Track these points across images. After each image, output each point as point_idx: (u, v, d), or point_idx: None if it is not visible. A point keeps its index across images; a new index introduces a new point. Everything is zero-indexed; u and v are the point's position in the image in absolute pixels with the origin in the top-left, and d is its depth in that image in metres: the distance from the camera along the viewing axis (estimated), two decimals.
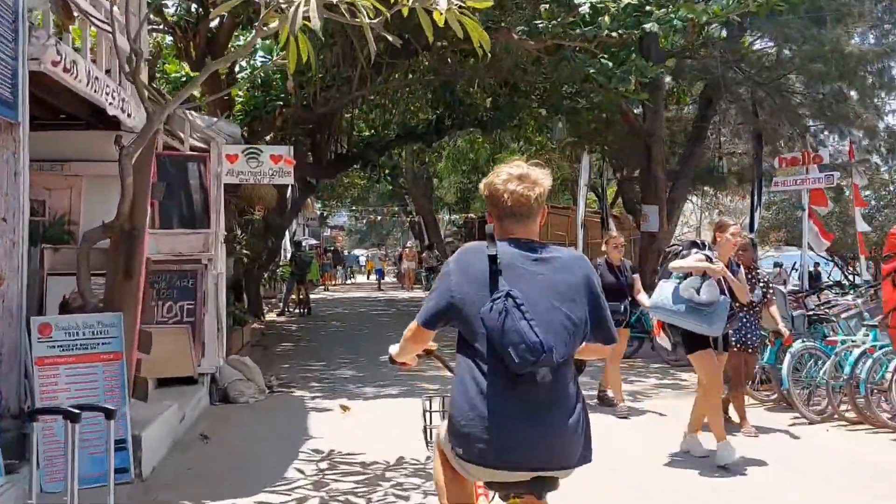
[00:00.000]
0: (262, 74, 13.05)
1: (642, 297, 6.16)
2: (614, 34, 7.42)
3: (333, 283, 30.63)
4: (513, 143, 20.14)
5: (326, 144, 14.53)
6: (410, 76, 13.49)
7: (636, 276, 6.43)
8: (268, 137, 15.12)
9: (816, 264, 17.73)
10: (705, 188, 15.99)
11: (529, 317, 1.88)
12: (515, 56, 9.53)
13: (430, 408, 2.54)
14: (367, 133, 15.60)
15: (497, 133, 18.28)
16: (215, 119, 10.49)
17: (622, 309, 6.16)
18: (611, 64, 7.89)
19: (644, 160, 11.34)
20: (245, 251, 12.85)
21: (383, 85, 12.18)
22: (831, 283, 17.91)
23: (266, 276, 17.13)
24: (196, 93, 14.48)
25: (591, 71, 8.02)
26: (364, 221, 36.55)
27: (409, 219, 31.94)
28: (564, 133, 12.28)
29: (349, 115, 15.18)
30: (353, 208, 30.66)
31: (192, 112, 9.47)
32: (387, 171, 15.57)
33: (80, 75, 4.87)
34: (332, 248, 33.31)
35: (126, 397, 4.07)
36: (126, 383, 4.07)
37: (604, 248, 6.59)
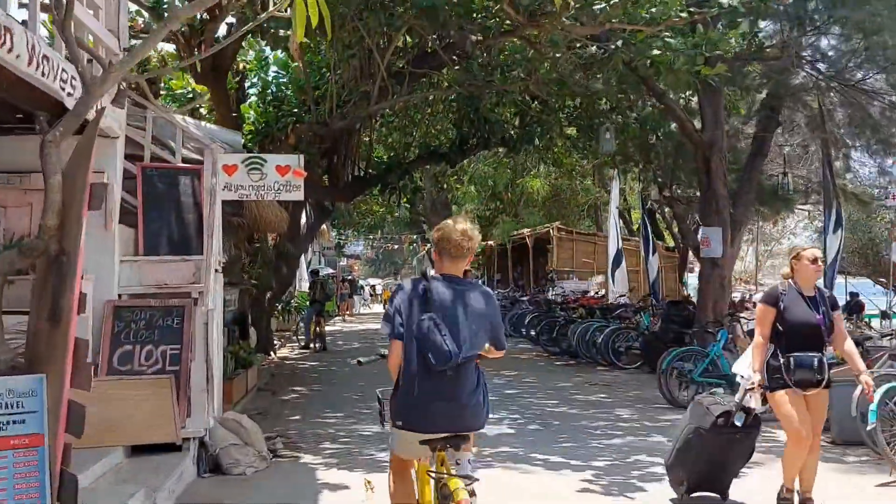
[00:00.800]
0: (273, 87, 11.98)
1: (848, 346, 4.22)
2: (683, 14, 6.19)
3: (349, 312, 29.32)
4: (540, 163, 18.89)
5: (343, 166, 13.36)
6: (433, 91, 12.35)
7: (837, 313, 4.29)
8: None
9: (855, 294, 16.28)
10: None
11: (444, 333, 2.92)
12: (560, 50, 8.30)
13: (383, 397, 3.27)
14: (385, 156, 14.44)
15: (524, 153, 17.10)
16: (214, 126, 9.30)
17: (815, 364, 4.05)
18: (674, 41, 6.61)
19: (703, 176, 9.99)
20: (253, 281, 11.60)
21: (405, 97, 11.01)
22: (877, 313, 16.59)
23: (279, 307, 15.90)
24: (203, 110, 13.55)
25: (655, 52, 6.74)
26: (381, 250, 35.26)
27: (426, 247, 30.70)
28: (614, 144, 10.92)
29: (367, 137, 14.07)
30: (370, 236, 29.40)
31: (187, 117, 8.35)
32: (407, 196, 14.29)
33: (17, 49, 3.67)
34: (349, 278, 32.10)
35: (49, 498, 2.75)
36: (49, 479, 2.75)
37: (785, 269, 4.38)
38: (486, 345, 3.10)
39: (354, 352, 14.13)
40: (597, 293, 20.01)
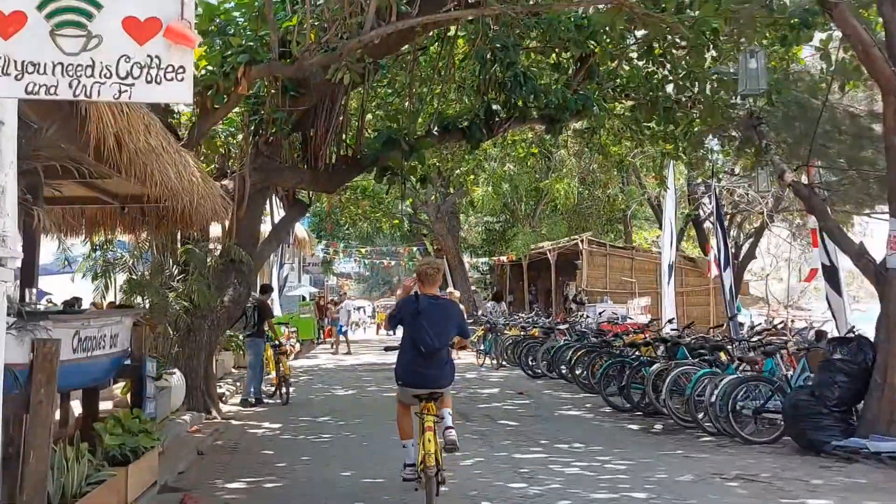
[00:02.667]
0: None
1: None
2: None
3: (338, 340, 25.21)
4: (585, 149, 15.01)
5: (324, 141, 9.49)
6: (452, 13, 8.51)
7: None
8: (233, 128, 10.15)
9: None
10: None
11: (428, 332, 4.88)
12: None
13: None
14: (384, 126, 10.55)
15: (563, 135, 13.33)
16: None
17: None
18: None
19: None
20: (183, 301, 7.65)
21: (412, 21, 7.17)
22: None
23: (240, 338, 11.93)
24: None
25: None
26: (375, 268, 31.07)
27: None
28: (763, 80, 7.07)
29: (358, 100, 10.24)
30: (361, 249, 25.35)
31: None
32: (415, 181, 10.36)
33: None
34: (333, 299, 28.05)
35: None
36: None
37: None
38: (456, 337, 5.27)
39: (336, 403, 10.12)
40: (649, 321, 16.09)
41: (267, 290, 9.63)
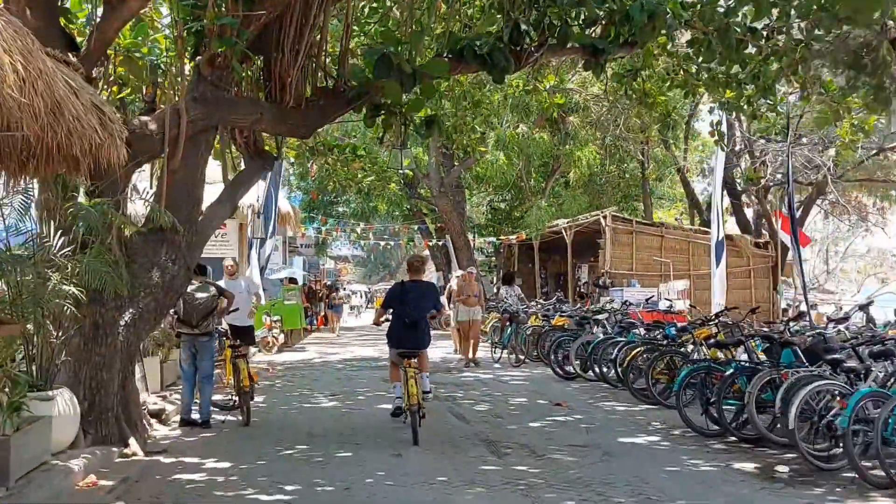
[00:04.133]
0: None
1: None
2: None
3: (333, 327, 22.72)
4: (631, 102, 12.33)
5: (295, 66, 6.86)
6: None
7: None
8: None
9: None
10: None
11: (410, 307, 6.90)
12: None
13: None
14: (374, 43, 7.87)
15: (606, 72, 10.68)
16: None
17: None
18: None
19: None
20: (72, 287, 5.08)
21: None
22: None
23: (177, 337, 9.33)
24: None
25: None
26: (375, 248, 28.35)
27: (429, 242, 24.06)
28: None
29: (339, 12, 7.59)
30: (352, 229, 22.66)
31: None
32: (418, 122, 7.68)
33: None
34: (333, 284, 25.49)
35: None
36: None
37: None
38: (432, 310, 7.13)
39: (316, 427, 7.58)
40: (690, 307, 13.56)
41: (203, 271, 6.98)
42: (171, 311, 6.97)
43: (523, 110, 16.18)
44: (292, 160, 13.04)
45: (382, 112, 7.46)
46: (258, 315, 14.66)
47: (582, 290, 19.69)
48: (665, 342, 8.84)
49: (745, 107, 10.36)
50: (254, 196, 15.49)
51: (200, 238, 6.85)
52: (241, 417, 7.34)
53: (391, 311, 7.08)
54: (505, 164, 17.00)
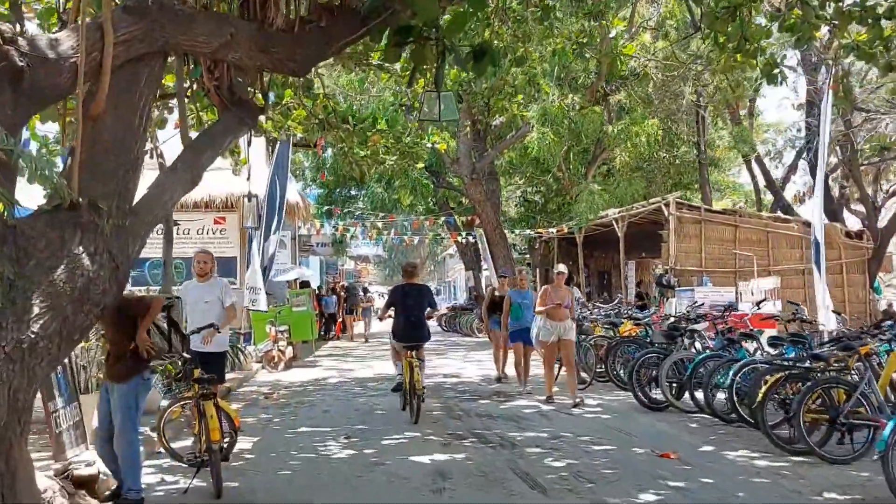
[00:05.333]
0: None
1: None
2: None
3: (353, 334, 20.48)
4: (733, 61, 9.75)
5: None
6: None
7: None
8: None
9: None
10: None
11: (410, 305, 7.87)
12: None
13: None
14: None
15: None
16: None
17: None
18: None
19: None
20: None
21: None
22: None
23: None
24: None
25: None
26: (396, 246, 25.87)
27: (457, 236, 21.60)
28: None
29: None
30: (372, 224, 20.30)
31: None
32: (463, 53, 5.24)
33: None
34: (351, 287, 23.18)
35: None
36: None
37: None
38: (428, 309, 7.95)
39: (319, 497, 5.18)
40: (794, 312, 10.98)
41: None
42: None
43: (571, 81, 13.70)
44: (300, 136, 10.80)
45: (411, 38, 5.08)
46: (259, 324, 12.44)
47: (641, 290, 17.12)
48: (805, 363, 6.34)
49: (881, 53, 7.82)
50: (258, 184, 13.29)
51: (140, 222, 4.47)
52: (211, 481, 5.00)
53: (392, 309, 8.14)
54: (553, 142, 14.44)
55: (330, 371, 12.38)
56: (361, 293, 23.07)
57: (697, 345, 8.28)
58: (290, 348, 12.63)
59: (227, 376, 10.12)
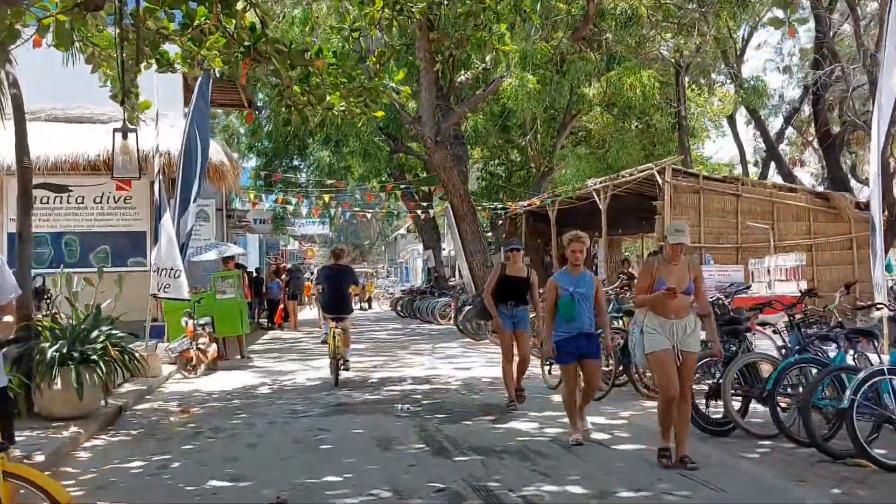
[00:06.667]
0: None
1: None
2: None
3: (296, 323, 17.86)
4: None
5: None
6: None
7: None
8: None
9: None
10: None
11: (337, 283, 8.96)
12: None
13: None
14: None
15: None
16: None
17: None
18: None
19: None
20: None
21: None
22: None
23: None
24: None
25: None
26: (346, 222, 22.96)
27: (415, 208, 19.07)
28: None
29: None
30: (318, 196, 17.52)
31: None
32: None
33: None
34: (294, 269, 20.38)
35: None
36: None
37: None
38: (353, 286, 9.30)
39: None
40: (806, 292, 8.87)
41: None
42: None
43: (555, 22, 11.33)
44: (220, 74, 8.11)
45: None
46: (173, 316, 9.76)
47: (625, 271, 15.04)
48: None
49: None
50: (169, 134, 10.50)
51: None
52: None
53: (320, 287, 9.17)
54: (536, 89, 11.96)
55: (264, 374, 9.80)
56: (310, 276, 20.48)
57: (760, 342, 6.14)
58: (213, 346, 9.97)
59: (121, 390, 7.49)
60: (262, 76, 7.87)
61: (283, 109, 8.44)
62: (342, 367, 8.52)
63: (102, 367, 6.27)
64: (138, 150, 8.95)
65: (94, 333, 6.45)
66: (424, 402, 7.47)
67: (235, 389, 8.52)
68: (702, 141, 24.54)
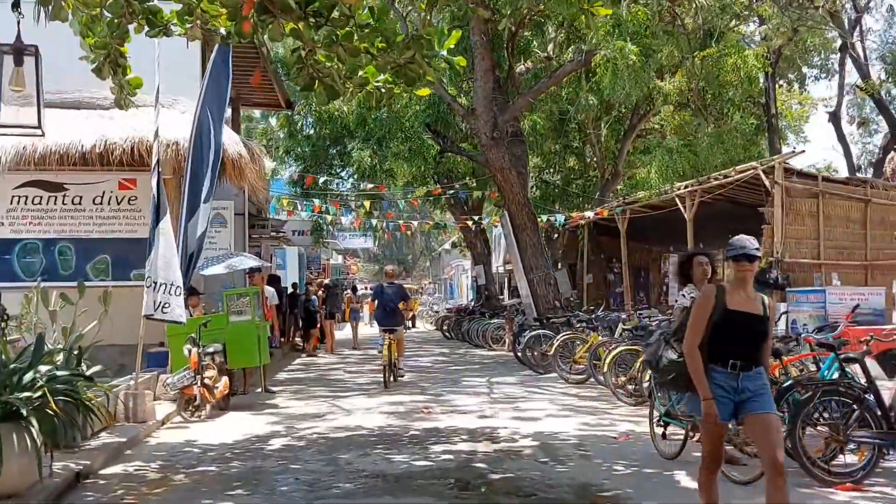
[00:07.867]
0: None
1: None
2: None
3: (333, 345, 16.02)
4: None
5: None
6: None
7: None
8: None
9: None
10: None
11: (386, 298, 10.36)
12: None
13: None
14: None
15: None
16: None
17: None
18: None
19: None
20: None
21: None
22: None
23: None
24: None
25: None
26: (388, 232, 20.99)
27: (463, 223, 17.04)
28: None
29: None
30: (359, 205, 15.62)
31: None
32: None
33: None
34: (333, 285, 18.48)
35: None
36: None
37: None
38: (401, 303, 10.45)
39: None
40: None
41: None
42: None
43: None
44: (227, 34, 6.35)
45: None
46: (176, 342, 7.91)
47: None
48: None
49: None
50: (180, 122, 8.75)
51: None
52: None
53: (375, 303, 10.50)
54: (640, 62, 9.68)
55: (282, 419, 7.79)
56: (350, 291, 18.68)
57: None
58: (223, 380, 8.05)
59: (93, 443, 5.63)
60: (276, 36, 5.86)
61: (305, 80, 6.46)
62: (398, 374, 10.29)
63: (35, 424, 4.36)
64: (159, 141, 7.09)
65: (29, 376, 4.55)
66: (492, 475, 5.33)
67: (240, 442, 6.53)
68: (796, 142, 21.87)
